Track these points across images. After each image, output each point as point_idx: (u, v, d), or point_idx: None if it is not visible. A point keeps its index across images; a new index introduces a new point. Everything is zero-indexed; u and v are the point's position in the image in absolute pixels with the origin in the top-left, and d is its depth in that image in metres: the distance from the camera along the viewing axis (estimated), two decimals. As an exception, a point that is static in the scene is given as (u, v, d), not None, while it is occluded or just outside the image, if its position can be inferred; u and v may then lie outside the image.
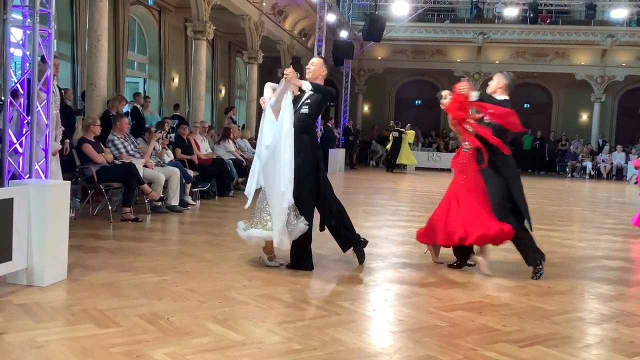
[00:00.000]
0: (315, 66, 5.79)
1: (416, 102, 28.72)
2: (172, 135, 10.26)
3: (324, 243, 6.27)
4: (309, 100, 5.63)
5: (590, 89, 25.06)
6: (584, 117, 26.63)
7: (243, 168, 12.42)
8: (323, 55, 19.94)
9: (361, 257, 5.87)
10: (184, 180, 9.39)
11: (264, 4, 17.10)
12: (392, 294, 5.00)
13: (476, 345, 3.74)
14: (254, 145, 14.26)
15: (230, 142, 12.47)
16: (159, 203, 8.74)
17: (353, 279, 5.35)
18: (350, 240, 5.87)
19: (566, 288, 5.39)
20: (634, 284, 6.04)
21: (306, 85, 5.52)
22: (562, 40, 24.54)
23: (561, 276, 5.85)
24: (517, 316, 4.39)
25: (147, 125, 10.22)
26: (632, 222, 9.10)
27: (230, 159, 11.93)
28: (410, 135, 21.69)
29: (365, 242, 5.93)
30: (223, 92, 21.40)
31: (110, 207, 7.99)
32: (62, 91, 9.22)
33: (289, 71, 5.46)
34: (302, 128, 5.55)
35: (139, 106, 12.10)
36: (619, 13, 23.37)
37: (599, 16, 24.57)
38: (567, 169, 24.05)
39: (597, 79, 24.91)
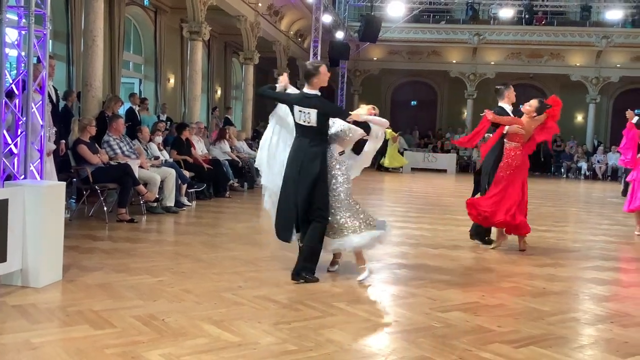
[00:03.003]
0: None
1: (412, 102, 28.76)
2: (160, 138, 10.22)
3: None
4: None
5: (585, 90, 25.15)
6: (579, 118, 26.71)
7: (239, 169, 12.45)
8: (319, 56, 19.98)
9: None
10: (179, 181, 9.38)
11: (259, 4, 17.10)
12: (388, 294, 5.01)
13: (471, 345, 3.75)
14: (250, 146, 14.35)
15: (226, 142, 12.47)
16: (155, 204, 8.73)
17: (349, 280, 5.35)
18: None
19: (561, 289, 5.41)
20: (629, 284, 6.06)
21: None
22: (557, 41, 24.62)
23: (556, 277, 5.87)
24: (512, 317, 4.40)
25: (141, 126, 10.20)
26: (624, 209, 9.16)
27: (226, 160, 11.93)
28: (387, 134, 21.29)
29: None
30: (219, 92, 21.39)
31: (105, 208, 7.97)
32: (57, 92, 9.20)
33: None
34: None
35: (134, 107, 12.09)
36: (614, 14, 23.48)
37: (594, 17, 24.67)
38: (562, 170, 24.11)
39: (592, 80, 25.00)
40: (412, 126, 27.02)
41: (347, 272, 5.64)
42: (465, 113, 26.44)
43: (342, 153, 5.42)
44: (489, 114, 6.85)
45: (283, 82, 5.66)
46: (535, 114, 6.98)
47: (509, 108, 7.31)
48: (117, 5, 13.88)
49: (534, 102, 7.07)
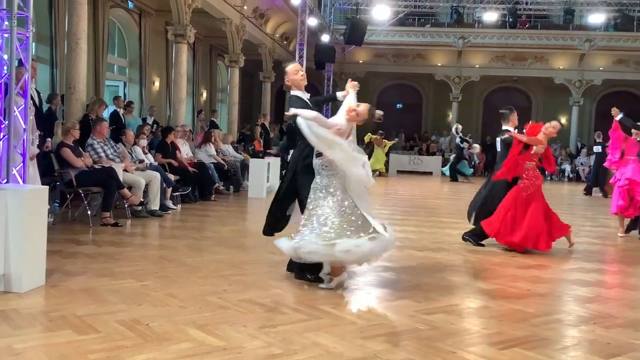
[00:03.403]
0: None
1: (397, 105, 28.85)
2: (145, 141, 10.17)
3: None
4: None
5: (568, 93, 25.39)
6: (563, 120, 26.89)
7: (224, 172, 12.42)
8: (305, 59, 20.00)
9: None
10: (164, 185, 9.34)
11: (245, 7, 17.09)
12: (373, 297, 5.02)
13: (455, 347, 3.76)
14: (236, 149, 14.33)
15: (212, 146, 12.43)
16: (139, 207, 8.68)
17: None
18: None
19: (545, 290, 5.45)
20: (611, 286, 6.13)
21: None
22: (540, 44, 24.84)
23: (540, 279, 5.91)
24: (496, 319, 4.43)
25: (126, 129, 10.15)
26: (611, 212, 9.26)
27: (212, 163, 11.90)
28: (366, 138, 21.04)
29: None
30: (204, 95, 21.33)
31: (89, 212, 7.91)
32: (40, 95, 9.14)
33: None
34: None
35: (119, 110, 12.03)
36: (597, 18, 23.73)
37: (577, 21, 24.92)
38: (546, 172, 24.27)
39: (576, 82, 25.24)
40: (398, 129, 27.11)
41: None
42: (451, 116, 26.58)
43: (319, 155, 5.16)
44: (523, 137, 7.28)
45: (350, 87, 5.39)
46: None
47: (514, 131, 7.63)
48: (101, 8, 13.81)
49: (557, 124, 7.52)
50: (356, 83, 5.43)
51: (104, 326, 3.85)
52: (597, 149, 16.71)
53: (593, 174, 17.07)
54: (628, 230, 9.04)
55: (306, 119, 5.03)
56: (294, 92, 5.49)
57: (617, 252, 8.19)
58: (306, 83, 5.56)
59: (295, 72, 5.52)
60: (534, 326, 4.28)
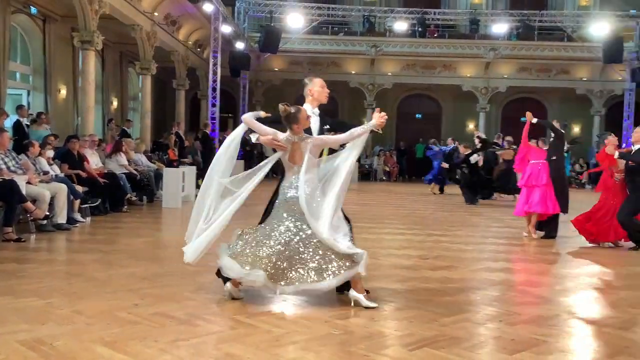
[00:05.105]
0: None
1: (314, 112, 29.08)
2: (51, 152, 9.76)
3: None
4: None
5: (475, 100, 26.45)
6: (471, 126, 28.02)
7: (137, 182, 12.09)
8: (219, 66, 19.83)
9: None
10: (71, 197, 8.97)
11: (155, 13, 16.73)
12: (289, 305, 5.01)
13: (368, 351, 3.82)
14: (149, 159, 13.97)
15: (122, 155, 12.07)
16: (45, 221, 8.29)
17: (249, 292, 5.30)
18: None
19: (454, 290, 5.63)
20: (517, 284, 6.43)
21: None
22: (448, 53, 25.76)
23: (449, 279, 6.11)
24: (407, 320, 4.53)
25: (31, 140, 9.68)
26: (514, 213, 9.68)
27: (123, 173, 11.56)
28: None
29: None
30: (115, 104, 20.68)
31: (-11, 228, 7.49)
32: None
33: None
34: None
35: (22, 120, 11.46)
36: (500, 28, 24.88)
37: (482, 30, 26.02)
38: (458, 177, 25.12)
39: (482, 90, 26.34)
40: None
41: (245, 285, 5.59)
42: (365, 123, 27.04)
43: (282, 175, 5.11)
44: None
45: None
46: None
47: None
48: (2, 13, 13.13)
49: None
50: (384, 114, 5.19)
51: (5, 347, 3.65)
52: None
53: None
54: (540, 229, 9.45)
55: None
56: (306, 106, 5.29)
57: (522, 252, 8.59)
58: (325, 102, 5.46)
59: (323, 85, 5.45)
60: (443, 326, 4.41)
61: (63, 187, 8.69)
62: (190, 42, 20.94)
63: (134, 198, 11.89)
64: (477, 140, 16.03)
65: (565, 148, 10.87)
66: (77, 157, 10.28)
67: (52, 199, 8.45)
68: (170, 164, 14.17)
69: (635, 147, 8.35)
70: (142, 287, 5.33)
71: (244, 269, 4.78)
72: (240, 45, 21.98)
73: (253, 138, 5.20)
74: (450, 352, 3.85)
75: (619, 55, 22.64)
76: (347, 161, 5.04)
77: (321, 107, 5.53)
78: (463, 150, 16.13)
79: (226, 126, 23.62)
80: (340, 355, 3.74)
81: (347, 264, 4.77)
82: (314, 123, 5.28)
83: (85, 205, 9.73)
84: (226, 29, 20.25)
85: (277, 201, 5.09)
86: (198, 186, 14.41)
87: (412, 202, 15.64)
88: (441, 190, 18.05)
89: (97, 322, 4.24)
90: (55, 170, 9.46)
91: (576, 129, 26.45)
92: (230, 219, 5.01)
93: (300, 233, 4.86)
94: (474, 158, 15.57)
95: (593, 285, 6.28)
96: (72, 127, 15.92)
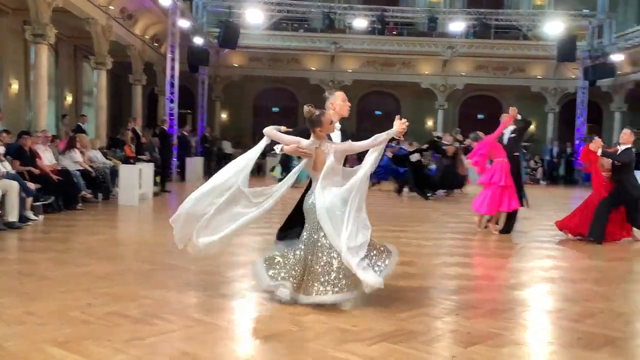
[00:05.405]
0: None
1: (274, 109, 28.97)
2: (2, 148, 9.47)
3: (180, 255, 6.09)
4: None
5: (434, 97, 26.74)
6: (429, 123, 28.34)
7: (92, 179, 11.84)
8: (177, 61, 19.55)
9: None
10: (24, 194, 8.72)
11: (111, 7, 16.36)
12: (247, 302, 4.98)
13: (326, 346, 3.82)
14: (105, 155, 13.68)
15: (77, 151, 11.79)
16: (-5, 220, 8.04)
17: (208, 289, 5.25)
18: None
19: (413, 285, 5.68)
20: (472, 278, 6.52)
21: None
22: (407, 50, 25.95)
23: (408, 274, 6.14)
24: (366, 315, 4.54)
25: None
26: (473, 209, 9.77)
27: (78, 170, 11.30)
28: None
29: None
30: (69, 99, 20.19)
31: None
32: None
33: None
34: None
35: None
36: (457, 26, 25.19)
37: (440, 28, 26.30)
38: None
39: (440, 87, 26.64)
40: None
41: (208, 282, 5.55)
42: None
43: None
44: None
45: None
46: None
47: None
48: (-51, 4, 12.67)
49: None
50: (405, 121, 5.10)
51: (-51, 351, 3.52)
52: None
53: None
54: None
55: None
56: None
57: (478, 247, 8.72)
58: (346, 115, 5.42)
59: (344, 99, 5.41)
60: (401, 320, 4.44)
61: (14, 185, 8.44)
62: (147, 37, 20.55)
63: (88, 195, 11.61)
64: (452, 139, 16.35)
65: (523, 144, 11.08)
66: (30, 154, 9.99)
67: (3, 196, 8.21)
68: (126, 160, 13.91)
69: (621, 148, 8.78)
70: (96, 286, 5.21)
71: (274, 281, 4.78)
72: (198, 41, 21.69)
73: (277, 149, 5.20)
74: (408, 346, 3.88)
75: (572, 54, 23.18)
76: (364, 166, 5.01)
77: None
78: (408, 148, 16.47)
79: (185, 122, 23.29)
80: (298, 352, 3.73)
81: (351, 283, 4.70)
82: (336, 137, 5.26)
83: (38, 203, 9.47)
84: (184, 23, 19.95)
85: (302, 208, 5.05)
86: (156, 183, 14.24)
87: (371, 198, 15.69)
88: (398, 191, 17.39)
89: (50, 322, 4.12)
90: (6, 167, 9.16)
91: (532, 127, 26.97)
92: (246, 225, 5.01)
93: (315, 243, 4.79)
94: (414, 157, 15.80)
95: (547, 278, 6.42)
96: (25, 123, 15.46)
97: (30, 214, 8.96)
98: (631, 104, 24.97)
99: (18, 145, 10.02)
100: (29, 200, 8.99)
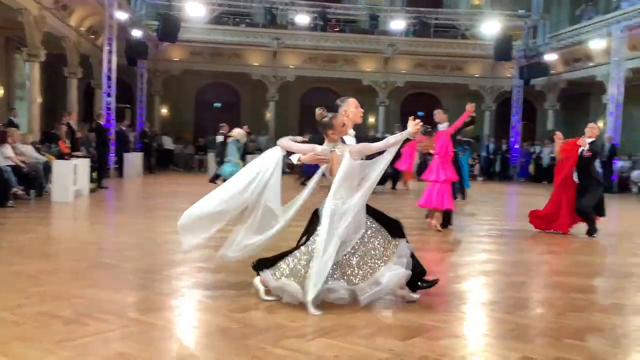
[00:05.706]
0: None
1: (215, 104, 28.63)
2: None
3: (115, 253, 5.97)
4: None
5: (375, 94, 27.02)
6: (371, 120, 28.62)
7: (24, 175, 11.40)
8: (115, 54, 19.04)
9: None
10: (-51, 191, 8.32)
11: (44, -3, 15.79)
12: (187, 300, 4.90)
13: (266, 343, 3.80)
14: (38, 150, 13.19)
15: (9, 147, 11.33)
16: None
17: (146, 288, 5.13)
18: None
19: (352, 280, 5.70)
20: (412, 272, 6.60)
21: None
22: (349, 47, 26.13)
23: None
24: (304, 311, 4.52)
25: None
26: (418, 204, 9.85)
27: (8, 165, 10.85)
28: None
29: None
30: (0, 92, 19.39)
31: None
32: None
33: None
34: None
35: None
36: (398, 24, 25.53)
37: (381, 26, 26.59)
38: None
39: (382, 84, 26.95)
40: (217, 128, 26.87)
41: (146, 280, 5.43)
42: (268, 115, 26.97)
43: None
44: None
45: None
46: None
47: None
48: None
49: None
50: (418, 121, 5.13)
51: None
52: None
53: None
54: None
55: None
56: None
57: (419, 242, 8.84)
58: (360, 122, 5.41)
59: (357, 105, 5.39)
60: (339, 315, 4.46)
61: (-62, 181, 8.03)
62: (83, 29, 19.92)
63: (20, 192, 11.17)
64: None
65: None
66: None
67: None
68: (61, 156, 13.45)
69: (588, 141, 9.23)
70: (27, 286, 5.02)
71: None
72: (137, 33, 21.19)
73: (294, 159, 5.17)
74: (347, 341, 3.91)
75: (508, 54, 23.89)
76: (378, 164, 5.01)
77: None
78: None
79: (123, 117, 22.73)
80: (237, 349, 3.69)
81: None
82: (350, 143, 5.22)
83: (-35, 200, 9.05)
84: (122, 15, 19.46)
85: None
86: (92, 179, 13.83)
87: (315, 196, 15.72)
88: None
89: (-25, 325, 3.95)
90: None
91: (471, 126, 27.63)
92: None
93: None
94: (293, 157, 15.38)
95: (483, 272, 6.58)
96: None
97: (-44, 212, 8.56)
98: (563, 103, 25.96)
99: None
100: (-45, 197, 8.58)
